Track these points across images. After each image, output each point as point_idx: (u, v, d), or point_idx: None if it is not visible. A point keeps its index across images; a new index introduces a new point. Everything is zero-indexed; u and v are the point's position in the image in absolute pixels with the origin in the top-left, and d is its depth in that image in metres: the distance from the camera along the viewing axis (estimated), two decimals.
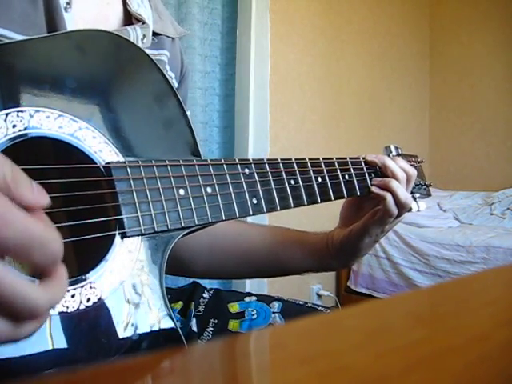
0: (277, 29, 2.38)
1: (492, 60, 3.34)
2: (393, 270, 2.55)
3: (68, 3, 0.56)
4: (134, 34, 0.62)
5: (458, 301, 0.35)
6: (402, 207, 0.70)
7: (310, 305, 0.72)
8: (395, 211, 0.70)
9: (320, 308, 0.72)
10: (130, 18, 0.65)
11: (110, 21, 0.64)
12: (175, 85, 0.74)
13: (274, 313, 0.69)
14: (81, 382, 0.23)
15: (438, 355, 0.24)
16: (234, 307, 0.71)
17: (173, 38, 0.73)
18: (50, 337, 0.40)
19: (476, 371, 0.22)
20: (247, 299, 0.72)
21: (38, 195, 0.32)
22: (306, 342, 0.27)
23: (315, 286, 2.64)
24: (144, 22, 0.64)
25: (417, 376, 0.22)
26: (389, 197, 0.69)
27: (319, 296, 2.65)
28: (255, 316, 0.69)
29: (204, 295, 0.75)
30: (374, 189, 0.71)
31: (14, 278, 0.29)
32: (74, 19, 0.57)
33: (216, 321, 0.69)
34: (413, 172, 0.73)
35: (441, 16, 3.58)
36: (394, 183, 0.70)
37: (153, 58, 0.54)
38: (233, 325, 0.68)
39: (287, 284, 2.45)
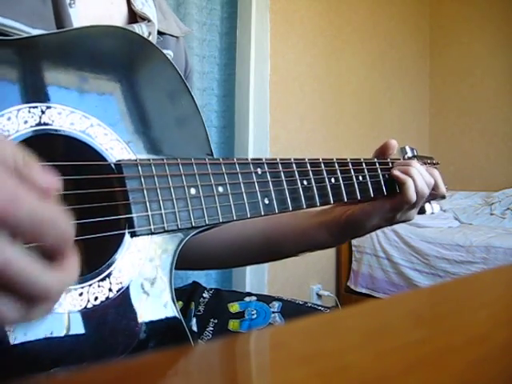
0: (277, 29, 2.38)
1: (492, 60, 3.34)
2: (393, 270, 2.55)
3: None
4: (140, 31, 0.62)
5: (458, 301, 0.35)
6: (420, 196, 0.69)
7: (309, 305, 0.72)
8: (414, 198, 0.68)
9: (320, 308, 0.72)
10: (134, 17, 0.65)
11: (115, 19, 0.64)
12: None
13: (273, 312, 0.69)
14: (83, 381, 0.23)
15: (438, 355, 0.24)
16: (234, 307, 0.71)
17: (177, 38, 0.73)
18: (55, 336, 0.40)
19: (476, 371, 0.22)
20: (247, 299, 0.72)
21: (50, 179, 0.32)
22: (306, 341, 0.27)
23: (315, 286, 2.64)
24: (149, 21, 0.64)
25: (417, 376, 0.22)
26: (409, 182, 0.68)
27: (319, 296, 2.65)
28: (255, 316, 0.69)
29: (204, 295, 0.75)
30: (395, 172, 0.70)
31: (26, 260, 0.29)
32: (79, 16, 0.57)
33: (216, 321, 0.69)
34: (430, 183, 0.72)
35: (441, 16, 3.58)
36: (414, 170, 0.69)
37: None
38: (233, 325, 0.68)
39: (287, 284, 2.45)
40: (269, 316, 0.68)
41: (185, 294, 0.76)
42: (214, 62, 2.18)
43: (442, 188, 0.75)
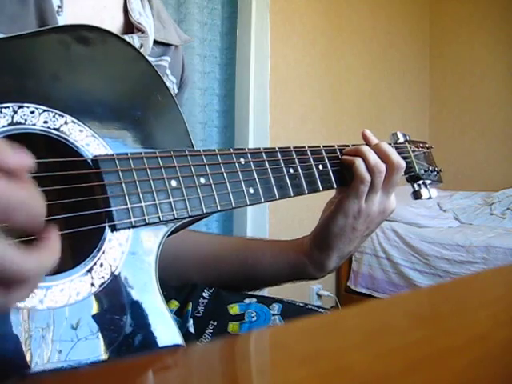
0: (277, 29, 2.38)
1: (492, 60, 3.34)
2: (393, 270, 2.55)
3: (60, 6, 0.56)
4: (131, 42, 0.62)
5: (458, 301, 0.35)
6: (373, 172, 0.66)
7: (310, 306, 0.72)
8: (367, 177, 0.65)
9: (320, 310, 0.72)
10: (131, 28, 0.65)
11: (106, 25, 0.63)
12: (175, 90, 0.74)
13: (273, 315, 0.69)
14: (80, 381, 0.23)
15: (437, 355, 0.24)
16: (234, 309, 0.71)
17: (176, 46, 0.73)
18: (36, 333, 0.40)
19: (476, 371, 0.22)
20: (247, 301, 0.72)
21: (19, 158, 0.31)
22: (306, 342, 0.27)
23: (315, 286, 2.63)
24: (143, 32, 0.64)
25: (417, 376, 0.22)
26: (358, 161, 0.65)
27: (319, 296, 2.65)
28: (255, 318, 0.68)
29: (204, 295, 0.74)
30: (343, 157, 0.67)
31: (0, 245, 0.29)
32: (67, 22, 0.57)
33: (215, 323, 0.69)
34: (398, 162, 0.67)
35: (441, 16, 3.58)
36: (363, 148, 0.67)
37: (152, 64, 0.53)
38: (232, 327, 0.68)
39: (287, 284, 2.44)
40: (269, 318, 0.68)
41: (182, 294, 0.75)
42: (215, 62, 2.19)
43: (394, 159, 0.67)
